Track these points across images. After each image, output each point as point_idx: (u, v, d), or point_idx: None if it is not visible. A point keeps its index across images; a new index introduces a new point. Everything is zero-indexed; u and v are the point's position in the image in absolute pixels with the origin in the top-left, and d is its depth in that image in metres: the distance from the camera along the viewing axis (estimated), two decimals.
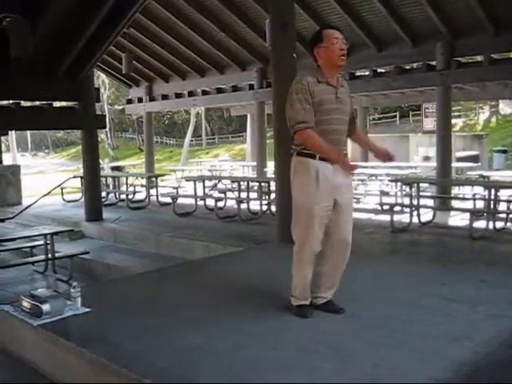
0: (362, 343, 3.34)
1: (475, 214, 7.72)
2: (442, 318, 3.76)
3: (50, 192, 13.11)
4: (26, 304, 3.86)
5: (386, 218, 8.17)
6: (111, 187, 14.14)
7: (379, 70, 11.72)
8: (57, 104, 10.81)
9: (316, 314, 3.83)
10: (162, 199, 12.14)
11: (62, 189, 13.53)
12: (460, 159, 15.68)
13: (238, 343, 3.37)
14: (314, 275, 3.81)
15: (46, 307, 3.73)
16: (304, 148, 3.64)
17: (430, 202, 9.14)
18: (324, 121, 3.63)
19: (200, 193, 11.11)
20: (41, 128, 19.74)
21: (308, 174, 3.62)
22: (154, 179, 13.10)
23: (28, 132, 52.78)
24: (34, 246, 8.42)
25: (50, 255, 7.90)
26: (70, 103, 10.53)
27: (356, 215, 9.56)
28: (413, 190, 8.54)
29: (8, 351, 3.92)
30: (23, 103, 10.47)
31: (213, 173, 17.25)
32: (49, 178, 26.59)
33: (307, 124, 3.58)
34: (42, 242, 8.05)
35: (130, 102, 17.94)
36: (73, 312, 3.87)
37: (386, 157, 3.91)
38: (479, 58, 10.31)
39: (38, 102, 10.62)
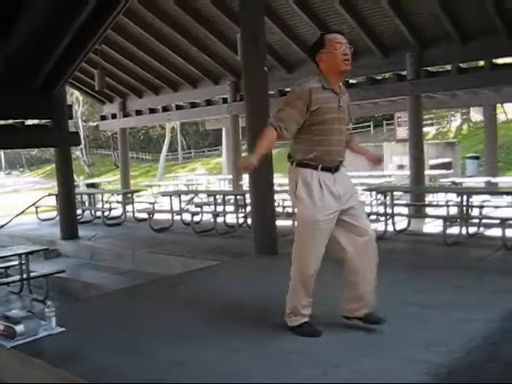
0: (339, 351, 3.36)
1: (449, 220, 7.85)
2: (418, 325, 3.80)
3: (24, 211, 12.95)
4: None
5: None
6: (87, 204, 14.02)
7: (351, 81, 11.87)
8: (29, 122, 10.68)
9: None
10: (139, 215, 12.08)
11: (36, 207, 13.38)
12: (433, 167, 15.90)
13: (216, 356, 3.36)
14: (348, 286, 3.68)
15: (19, 328, 3.68)
16: (304, 158, 3.55)
17: (405, 210, 9.25)
18: (325, 131, 3.52)
19: (176, 207, 11.09)
20: (13, 147, 19.48)
21: (312, 184, 3.51)
22: (129, 195, 13.03)
23: (1, 151, 52.11)
24: (8, 267, 8.30)
25: (25, 275, 7.79)
26: (42, 121, 10.42)
27: None
28: (387, 198, 8.64)
29: None
30: None
31: (189, 187, 17.21)
32: (23, 196, 26.24)
33: (280, 128, 3.45)
34: (16, 262, 7.94)
35: (103, 118, 17.86)
36: (47, 332, 3.82)
37: (375, 160, 3.95)
38: (448, 67, 10.52)
39: (9, 121, 10.50)
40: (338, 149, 3.60)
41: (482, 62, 10.28)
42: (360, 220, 3.67)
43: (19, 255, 7.76)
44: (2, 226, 11.82)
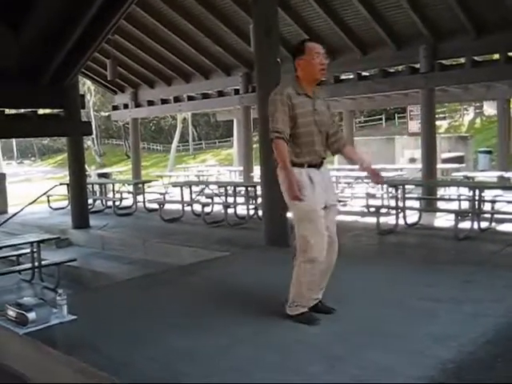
0: (348, 345, 3.36)
1: (460, 214, 7.80)
2: (427, 319, 3.79)
3: (36, 200, 13.02)
4: (11, 313, 3.83)
5: (373, 220, 8.21)
6: (98, 194, 14.09)
7: (364, 74, 11.80)
8: (42, 111, 10.74)
9: None
10: (149, 205, 12.12)
11: (48, 196, 13.46)
12: (445, 160, 15.80)
13: (224, 346, 3.37)
14: None
15: (31, 315, 3.71)
16: (291, 159, 3.68)
17: (416, 204, 9.20)
18: (304, 133, 3.73)
19: (187, 198, 11.11)
20: (26, 136, 19.62)
21: (303, 181, 3.67)
22: (140, 185, 13.07)
23: (13, 140, 52.42)
24: (20, 255, 8.37)
25: (36, 263, 7.84)
26: (55, 110, 10.47)
27: (343, 218, 9.69)
28: (399, 191, 8.61)
29: None
30: (7, 111, 10.39)
31: (200, 178, 17.23)
32: (35, 185, 26.41)
33: (281, 134, 3.64)
34: (28, 251, 8.00)
35: (115, 108, 17.90)
36: (59, 320, 3.85)
37: (376, 177, 4.01)
38: (462, 61, 10.42)
39: (22, 110, 10.55)
40: (321, 148, 3.84)
41: (496, 55, 10.17)
42: (330, 223, 3.84)
43: (31, 243, 7.82)
44: (15, 215, 11.90)
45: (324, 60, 3.75)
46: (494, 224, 8.03)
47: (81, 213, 10.61)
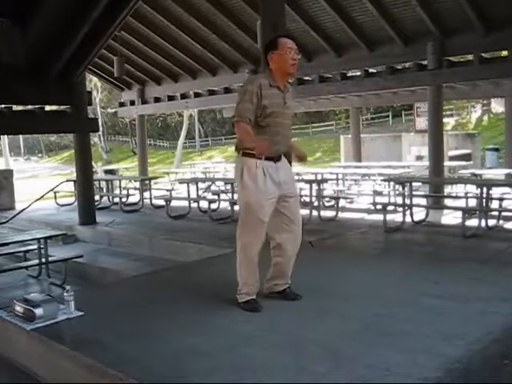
0: (355, 343, 3.35)
1: (468, 212, 7.77)
2: (435, 316, 3.77)
3: (43, 196, 13.08)
4: (19, 308, 3.85)
5: (379, 217, 8.19)
6: (104, 190, 14.13)
7: (371, 70, 11.76)
8: (49, 108, 10.77)
9: (306, 313, 3.87)
10: (156, 202, 12.14)
11: (55, 193, 13.51)
12: (452, 158, 15.74)
13: (230, 344, 3.37)
14: (275, 266, 4.12)
15: (39, 311, 3.72)
16: (250, 149, 3.81)
17: (423, 201, 9.17)
18: (272, 123, 3.86)
19: (193, 195, 11.12)
20: (33, 132, 19.72)
21: (257, 172, 3.84)
22: (147, 182, 13.09)
23: (20, 136, 52.62)
24: (27, 251, 8.40)
25: (43, 259, 7.88)
26: (62, 107, 10.50)
27: (350, 215, 9.66)
28: (406, 189, 8.57)
29: (1, 356, 3.92)
30: (15, 107, 10.44)
31: (206, 175, 17.25)
32: (42, 182, 26.51)
33: (244, 119, 3.78)
34: (35, 247, 8.03)
35: (122, 105, 17.93)
36: (66, 316, 3.86)
37: (300, 157, 4.24)
38: (470, 57, 10.36)
39: (29, 106, 10.59)
40: (283, 141, 3.97)
41: (505, 52, 10.11)
42: (293, 211, 4.07)
43: (38, 240, 7.85)
44: (22, 211, 11.96)
45: (295, 56, 3.91)
46: (501, 222, 7.99)
47: (87, 209, 10.65)
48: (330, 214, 9.39)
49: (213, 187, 12.36)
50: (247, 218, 3.92)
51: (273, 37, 4.11)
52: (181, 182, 13.08)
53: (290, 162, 4.33)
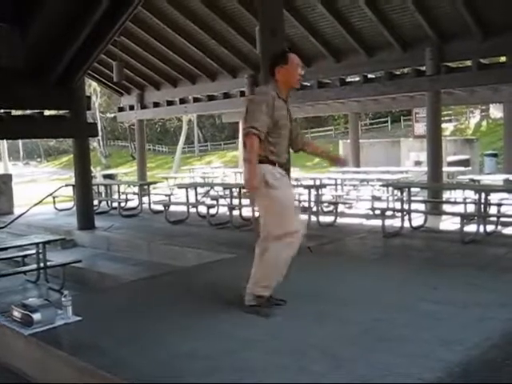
0: (353, 347, 3.35)
1: (466, 217, 7.76)
2: (433, 322, 3.78)
3: (41, 201, 13.06)
4: (16, 313, 3.84)
5: (378, 222, 8.19)
6: (103, 195, 14.12)
7: (369, 76, 11.79)
8: (48, 112, 10.77)
9: (306, 317, 3.86)
10: (155, 207, 12.13)
11: (53, 197, 13.50)
12: (451, 163, 15.76)
13: (229, 348, 3.37)
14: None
15: (36, 316, 3.72)
16: (266, 157, 3.93)
17: (422, 207, 9.17)
18: (279, 135, 4.00)
19: (192, 200, 11.11)
20: (32, 137, 19.70)
21: (275, 174, 3.96)
22: (146, 187, 13.09)
23: (19, 141, 52.61)
24: (25, 256, 8.37)
25: (41, 264, 7.85)
26: (61, 112, 10.51)
27: (348, 220, 9.66)
28: (404, 194, 8.58)
29: None
30: (14, 112, 10.44)
31: (205, 180, 17.24)
32: (41, 186, 26.48)
33: (259, 133, 3.82)
34: (33, 252, 8.00)
35: (121, 109, 17.95)
36: (64, 321, 3.86)
37: (339, 161, 4.65)
38: (468, 63, 10.39)
39: (28, 111, 10.59)
40: (287, 150, 4.22)
41: (503, 58, 10.14)
42: None
43: (36, 244, 7.82)
44: (20, 216, 11.94)
45: (302, 72, 4.11)
46: (499, 227, 7.99)
47: (86, 214, 10.63)
48: (328, 219, 9.38)
49: (211, 192, 12.35)
50: (284, 211, 3.96)
51: (282, 50, 4.28)
52: (179, 186, 13.08)
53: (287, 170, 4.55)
